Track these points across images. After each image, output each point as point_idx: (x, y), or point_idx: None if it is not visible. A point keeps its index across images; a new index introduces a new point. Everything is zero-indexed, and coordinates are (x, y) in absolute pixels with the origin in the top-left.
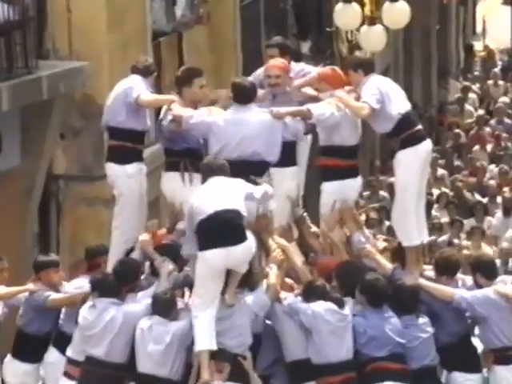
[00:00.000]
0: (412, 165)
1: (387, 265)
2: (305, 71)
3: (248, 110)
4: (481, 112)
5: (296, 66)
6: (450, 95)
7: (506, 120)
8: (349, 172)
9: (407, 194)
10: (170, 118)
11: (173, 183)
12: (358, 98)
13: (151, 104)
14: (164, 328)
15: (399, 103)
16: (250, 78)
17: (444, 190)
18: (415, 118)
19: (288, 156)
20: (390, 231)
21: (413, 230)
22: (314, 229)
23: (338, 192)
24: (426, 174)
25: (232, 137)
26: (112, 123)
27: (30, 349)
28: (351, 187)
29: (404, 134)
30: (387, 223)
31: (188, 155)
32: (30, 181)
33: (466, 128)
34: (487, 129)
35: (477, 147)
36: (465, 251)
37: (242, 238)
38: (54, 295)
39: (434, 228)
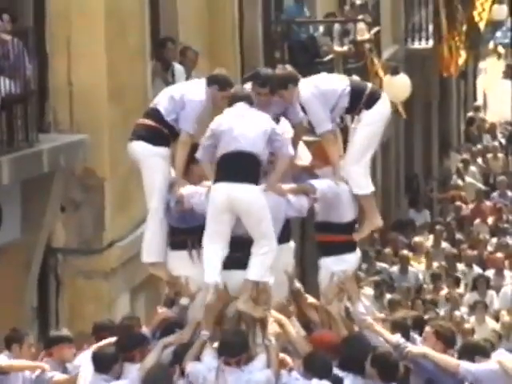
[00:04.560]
0: (372, 123)
1: (391, 335)
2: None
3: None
4: (481, 185)
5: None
6: (451, 168)
7: (509, 193)
8: (347, 246)
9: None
10: (175, 199)
11: (181, 261)
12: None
13: (180, 147)
14: None
15: (339, 82)
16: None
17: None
18: (360, 84)
19: (284, 232)
20: (391, 305)
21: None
22: (311, 300)
23: (336, 266)
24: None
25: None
26: None
27: None
28: (349, 261)
29: (363, 97)
30: (388, 296)
31: (195, 232)
32: (29, 254)
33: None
34: (488, 202)
35: (478, 220)
36: (466, 325)
37: (249, 180)
38: (57, 376)
39: (426, 303)
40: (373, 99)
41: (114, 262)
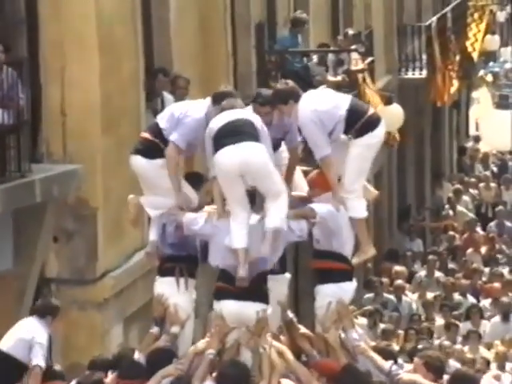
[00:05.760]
0: (367, 148)
1: (383, 361)
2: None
3: None
4: (473, 215)
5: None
6: (444, 198)
7: (507, 223)
8: (345, 275)
9: (361, 176)
10: (174, 224)
11: (168, 288)
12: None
13: (168, 161)
14: None
15: (339, 103)
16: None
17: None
18: (360, 106)
19: (280, 263)
20: (384, 334)
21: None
22: (303, 330)
23: (333, 294)
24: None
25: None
26: None
27: None
28: (347, 290)
29: (358, 123)
30: (382, 326)
31: (184, 261)
32: (22, 284)
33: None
34: (481, 232)
35: (470, 250)
36: (468, 355)
37: (251, 139)
38: None
39: (422, 333)
40: (366, 128)
41: (107, 293)
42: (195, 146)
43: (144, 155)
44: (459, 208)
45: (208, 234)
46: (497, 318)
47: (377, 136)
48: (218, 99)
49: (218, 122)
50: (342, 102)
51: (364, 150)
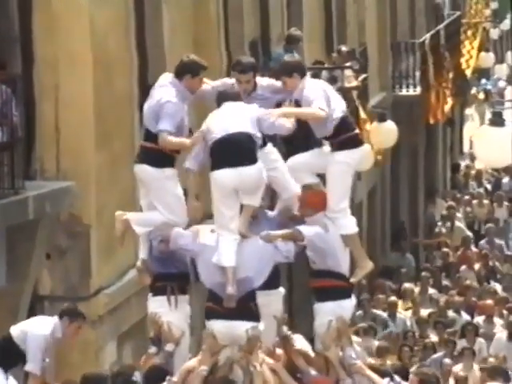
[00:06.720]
0: (347, 166)
1: (380, 379)
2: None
3: None
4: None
5: (260, 82)
6: (437, 215)
7: (497, 240)
8: (344, 292)
9: (345, 194)
10: (159, 238)
11: (161, 306)
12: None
13: (171, 146)
14: None
15: (338, 104)
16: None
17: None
18: (351, 121)
19: (273, 279)
20: (380, 351)
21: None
22: (298, 347)
23: (333, 312)
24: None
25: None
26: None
27: None
28: (346, 308)
29: (342, 136)
30: (376, 343)
31: (175, 279)
32: (16, 301)
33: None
34: (474, 249)
35: (464, 267)
36: (460, 373)
37: (251, 160)
38: None
39: (426, 348)
40: (349, 144)
41: (100, 310)
42: (182, 127)
43: (152, 164)
44: (457, 224)
45: (196, 251)
46: (503, 334)
47: (356, 155)
48: (181, 73)
49: (216, 127)
50: (340, 106)
51: (344, 166)
